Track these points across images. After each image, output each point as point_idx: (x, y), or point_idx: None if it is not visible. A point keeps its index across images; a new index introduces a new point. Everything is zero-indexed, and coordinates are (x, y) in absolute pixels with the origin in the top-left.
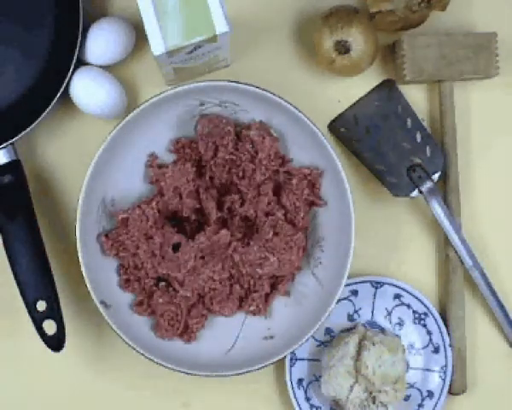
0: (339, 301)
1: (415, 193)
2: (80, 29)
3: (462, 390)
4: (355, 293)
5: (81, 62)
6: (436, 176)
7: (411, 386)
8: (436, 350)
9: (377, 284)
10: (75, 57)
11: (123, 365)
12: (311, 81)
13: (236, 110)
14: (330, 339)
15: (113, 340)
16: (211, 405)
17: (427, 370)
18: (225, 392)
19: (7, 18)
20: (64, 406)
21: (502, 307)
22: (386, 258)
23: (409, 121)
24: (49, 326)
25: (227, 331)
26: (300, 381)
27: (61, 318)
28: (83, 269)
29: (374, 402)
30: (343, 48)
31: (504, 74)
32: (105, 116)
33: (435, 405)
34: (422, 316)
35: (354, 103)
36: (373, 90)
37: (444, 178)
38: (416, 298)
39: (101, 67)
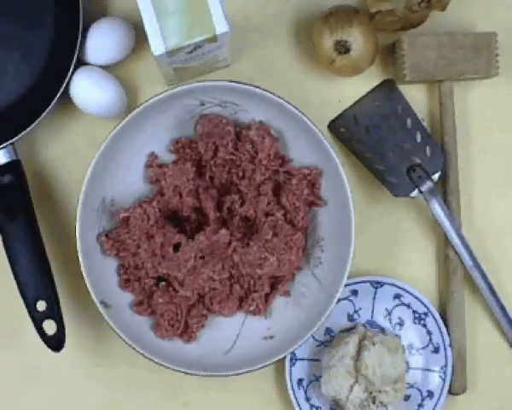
0: (339, 301)
1: (415, 193)
2: (80, 29)
3: (462, 390)
4: (355, 293)
5: (81, 62)
6: (436, 176)
7: (411, 386)
8: (436, 350)
9: (377, 284)
10: (75, 57)
11: (123, 365)
12: (311, 81)
13: (236, 110)
14: (330, 339)
15: (113, 340)
16: (211, 405)
17: (427, 370)
18: (225, 392)
19: (7, 18)
20: (64, 405)
21: (502, 307)
22: (386, 258)
23: (409, 121)
24: (49, 326)
25: (227, 331)
26: (300, 381)
27: (61, 318)
28: (83, 269)
29: (374, 402)
30: (343, 48)
31: (504, 74)
32: (105, 116)
33: (435, 405)
34: (422, 316)
35: (354, 103)
36: (373, 90)
37: (444, 178)
38: (416, 298)
39: (101, 67)
